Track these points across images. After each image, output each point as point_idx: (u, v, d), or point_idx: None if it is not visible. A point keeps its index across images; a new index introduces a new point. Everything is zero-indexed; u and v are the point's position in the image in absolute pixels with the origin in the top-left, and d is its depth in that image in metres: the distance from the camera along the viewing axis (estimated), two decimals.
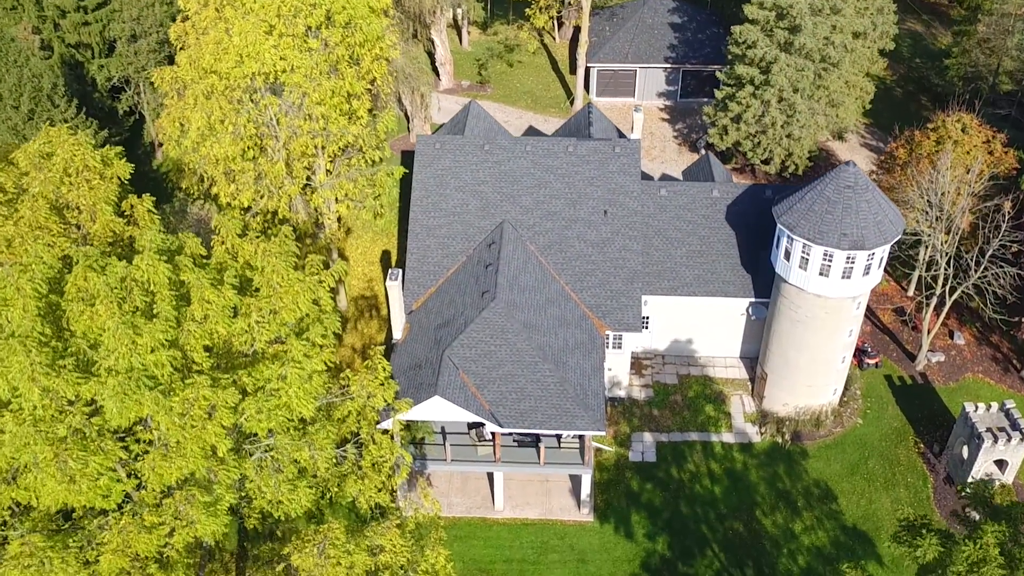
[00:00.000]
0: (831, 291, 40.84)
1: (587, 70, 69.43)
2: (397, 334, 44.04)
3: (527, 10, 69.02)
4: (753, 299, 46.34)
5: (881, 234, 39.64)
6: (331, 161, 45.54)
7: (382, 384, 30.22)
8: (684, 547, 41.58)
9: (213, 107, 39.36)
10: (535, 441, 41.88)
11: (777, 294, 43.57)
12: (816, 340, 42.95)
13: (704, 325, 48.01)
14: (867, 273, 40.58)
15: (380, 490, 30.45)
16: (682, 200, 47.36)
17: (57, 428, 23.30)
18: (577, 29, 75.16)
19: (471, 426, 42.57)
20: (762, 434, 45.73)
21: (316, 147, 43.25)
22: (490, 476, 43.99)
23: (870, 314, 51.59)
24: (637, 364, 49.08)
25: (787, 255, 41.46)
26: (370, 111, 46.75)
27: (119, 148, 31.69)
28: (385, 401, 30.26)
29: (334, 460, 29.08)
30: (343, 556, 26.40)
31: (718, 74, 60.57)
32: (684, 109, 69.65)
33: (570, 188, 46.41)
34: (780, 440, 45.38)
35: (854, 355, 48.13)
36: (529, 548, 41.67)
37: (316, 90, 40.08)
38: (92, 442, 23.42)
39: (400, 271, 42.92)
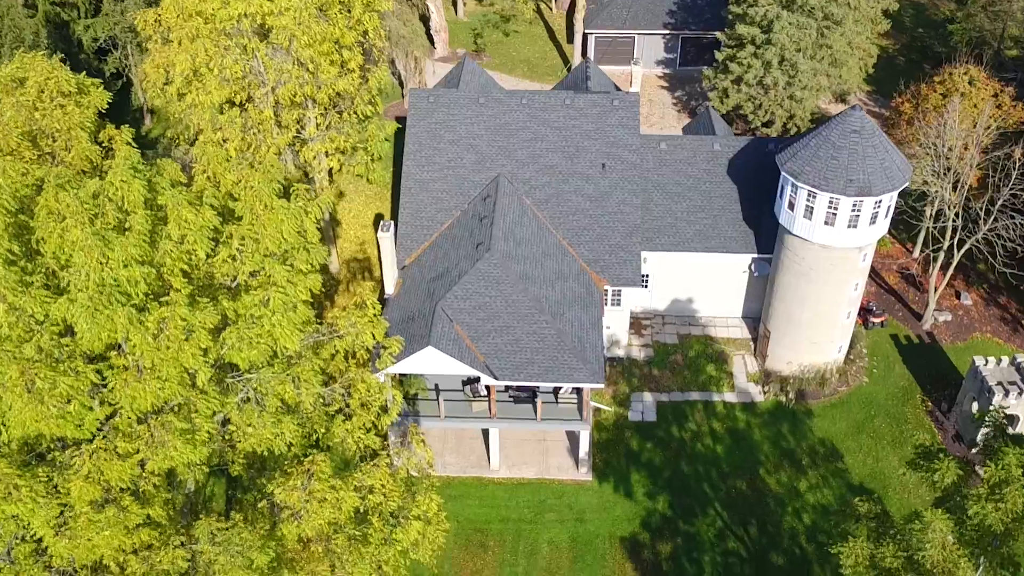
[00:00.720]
0: (837, 241, 39.58)
1: (585, 37, 68.15)
2: (389, 289, 42.76)
3: None
4: (756, 255, 45.07)
5: (888, 180, 38.40)
6: (322, 114, 44.23)
7: (371, 321, 28.91)
8: (685, 506, 40.32)
9: (198, 49, 38.04)
10: (531, 397, 40.61)
11: (780, 246, 42.31)
12: (821, 294, 41.69)
13: (705, 283, 46.74)
14: (874, 222, 39.33)
15: (369, 431, 29.14)
16: (682, 154, 46.09)
17: (25, 349, 22.00)
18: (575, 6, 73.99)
19: (465, 382, 41.31)
20: (765, 393, 44.48)
21: (305, 96, 41.91)
22: (485, 435, 42.70)
23: (875, 275, 50.35)
24: (636, 324, 47.81)
25: (791, 204, 40.21)
26: (362, 67, 45.42)
27: (97, 80, 30.38)
28: (374, 338, 28.96)
29: (321, 399, 27.79)
30: (329, 492, 25.08)
31: (718, 35, 59.31)
32: (684, 77, 68.37)
33: (567, 142, 45.12)
34: (784, 399, 44.13)
35: (859, 314, 46.87)
36: (526, 507, 40.40)
37: (305, 33, 38.75)
38: (62, 364, 22.11)
39: (392, 223, 41.66)
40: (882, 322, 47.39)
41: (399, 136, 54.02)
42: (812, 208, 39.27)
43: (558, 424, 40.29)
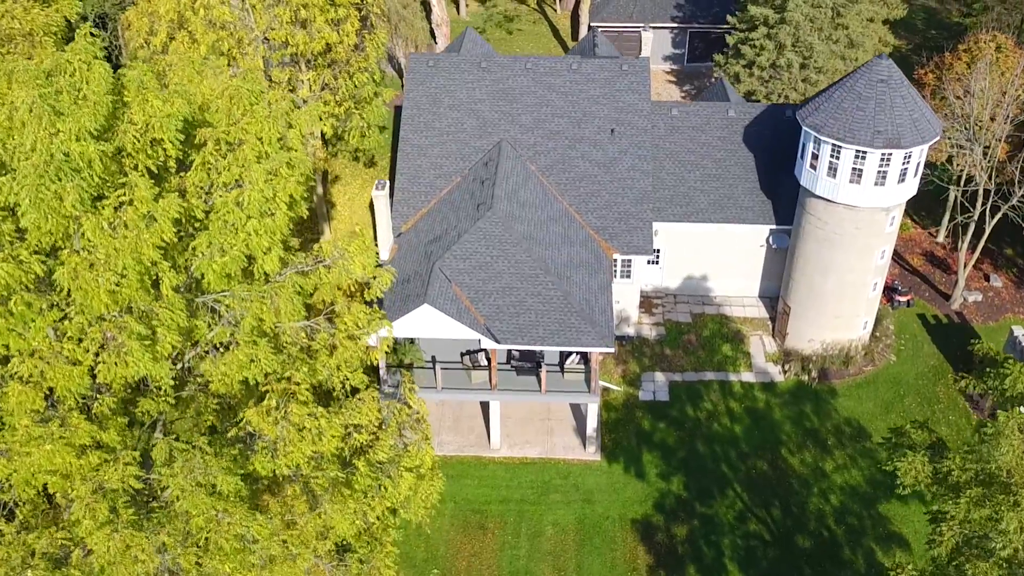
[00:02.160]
0: (863, 200, 36.94)
1: (590, 31, 66.19)
2: (384, 254, 40.04)
3: None
4: (774, 225, 42.40)
5: (918, 132, 35.88)
6: (315, 75, 41.93)
7: (362, 250, 26.20)
8: (702, 487, 37.14)
9: None
10: (535, 367, 37.66)
11: (802, 212, 39.66)
12: (845, 261, 38.94)
13: (720, 259, 44.01)
14: (903, 180, 36.73)
15: (355, 369, 26.23)
16: (695, 121, 43.66)
17: None
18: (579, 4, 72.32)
19: (464, 353, 38.40)
20: (785, 372, 41.50)
21: (297, 52, 39.66)
22: (485, 413, 39.67)
23: (898, 258, 47.63)
24: (647, 303, 44.97)
25: (813, 162, 37.65)
26: (359, 32, 43.25)
27: None
28: (364, 269, 26.19)
29: (303, 332, 24.92)
30: (308, 419, 22.13)
31: (730, 19, 57.34)
32: (692, 73, 66.32)
33: (574, 107, 42.73)
34: (806, 379, 41.12)
35: (884, 293, 44.08)
36: (528, 488, 37.23)
37: None
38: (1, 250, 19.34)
39: (387, 182, 39.19)
40: (908, 301, 44.56)
41: (397, 124, 51.80)
42: (836, 165, 36.69)
43: (564, 396, 37.31)
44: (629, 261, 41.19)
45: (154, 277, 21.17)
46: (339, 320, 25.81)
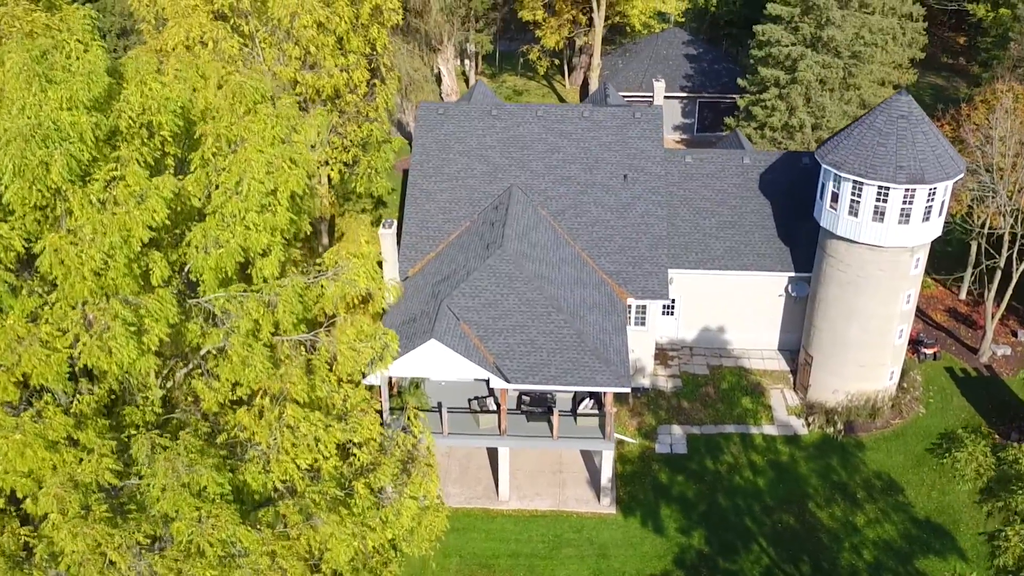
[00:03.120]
0: (886, 239, 35.67)
1: (601, 84, 66.28)
2: (389, 298, 38.52)
3: (531, 47, 66.84)
4: (793, 273, 41.06)
5: (942, 168, 34.87)
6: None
7: (365, 266, 24.89)
8: (724, 541, 34.77)
9: (193, 24, 35.54)
10: (547, 412, 35.80)
11: (822, 255, 38.36)
12: (869, 306, 37.43)
13: (737, 310, 42.52)
14: (927, 218, 35.54)
15: (357, 384, 24.64)
16: (710, 168, 42.83)
17: None
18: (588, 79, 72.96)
19: (472, 400, 36.58)
20: (809, 425, 39.48)
21: (305, 98, 39.19)
22: (493, 465, 37.62)
23: (921, 315, 46.08)
24: (662, 355, 43.28)
25: (834, 202, 36.54)
26: (369, 82, 42.95)
27: None
28: (369, 280, 24.85)
29: (302, 345, 23.40)
30: (304, 424, 20.40)
31: (740, 81, 57.29)
32: (701, 142, 66.02)
33: (586, 153, 41.99)
34: (831, 431, 39.08)
35: (910, 346, 42.40)
36: (539, 542, 34.88)
37: (309, 13, 36.30)
38: None
39: (394, 221, 38.06)
40: (935, 354, 42.79)
41: (404, 189, 51.24)
42: (858, 202, 35.59)
43: (577, 443, 35.31)
44: (644, 308, 39.71)
45: (144, 268, 19.84)
46: (340, 331, 24.31)
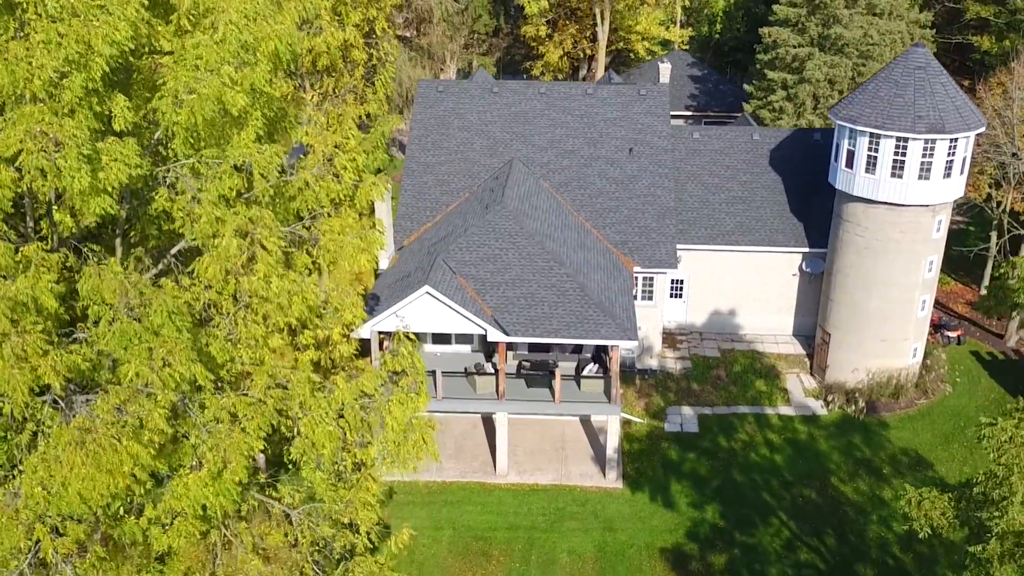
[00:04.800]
0: (907, 196, 33.88)
1: (607, 72, 65.33)
2: (384, 263, 36.69)
3: (535, 63, 66.26)
4: (807, 249, 39.13)
5: (962, 119, 33.30)
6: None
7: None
8: (741, 516, 32.00)
9: None
10: (548, 375, 33.46)
11: (839, 222, 36.50)
12: (889, 273, 35.41)
13: (749, 291, 40.47)
14: (948, 174, 33.82)
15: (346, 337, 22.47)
16: (718, 144, 41.34)
17: None
18: None
19: (468, 371, 34.27)
20: (828, 404, 36.99)
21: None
22: (490, 441, 35.08)
23: (942, 307, 43.93)
24: (671, 339, 41.05)
25: (850, 160, 34.88)
26: (367, 64, 41.87)
27: None
28: (356, 174, 23.02)
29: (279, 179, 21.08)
30: (277, 279, 18.21)
31: (746, 87, 56.35)
32: None
33: (589, 128, 40.59)
34: (851, 411, 36.59)
35: (932, 330, 40.16)
36: (539, 515, 32.15)
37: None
38: None
39: (389, 186, 36.38)
40: (959, 337, 40.52)
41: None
42: (876, 157, 33.92)
43: (580, 408, 32.92)
44: (651, 281, 37.69)
45: (107, 113, 18.06)
46: (323, 222, 22.34)
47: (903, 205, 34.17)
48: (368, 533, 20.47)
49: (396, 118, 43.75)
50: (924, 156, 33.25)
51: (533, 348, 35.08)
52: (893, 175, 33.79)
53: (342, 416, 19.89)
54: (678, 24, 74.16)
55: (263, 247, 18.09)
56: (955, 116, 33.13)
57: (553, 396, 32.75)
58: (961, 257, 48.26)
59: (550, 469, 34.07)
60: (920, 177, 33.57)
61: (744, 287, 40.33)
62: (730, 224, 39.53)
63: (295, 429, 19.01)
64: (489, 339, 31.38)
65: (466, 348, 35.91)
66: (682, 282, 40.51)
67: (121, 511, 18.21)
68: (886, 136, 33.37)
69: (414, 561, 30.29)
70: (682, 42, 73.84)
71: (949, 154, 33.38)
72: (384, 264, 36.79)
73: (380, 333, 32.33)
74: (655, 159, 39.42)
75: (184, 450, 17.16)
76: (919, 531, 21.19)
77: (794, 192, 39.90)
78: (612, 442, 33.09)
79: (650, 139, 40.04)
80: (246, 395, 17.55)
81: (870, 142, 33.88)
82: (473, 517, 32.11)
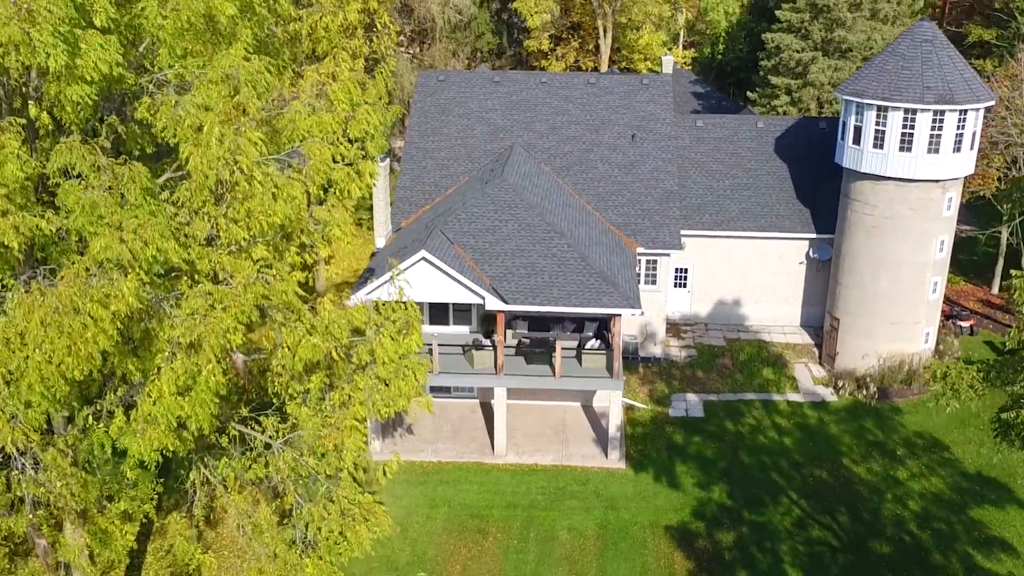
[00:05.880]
0: (915, 170, 33.11)
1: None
2: (380, 242, 35.81)
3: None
4: (814, 235, 38.24)
5: (971, 91, 32.68)
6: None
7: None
8: (750, 495, 30.63)
9: None
10: (548, 349, 32.36)
11: (846, 202, 35.68)
12: (899, 253, 34.49)
13: (756, 280, 39.50)
14: (958, 149, 33.08)
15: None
16: (722, 132, 40.72)
17: None
18: None
19: (466, 347, 33.21)
20: (839, 390, 35.78)
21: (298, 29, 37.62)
22: (488, 423, 33.86)
23: (951, 303, 42.85)
24: (675, 329, 39.97)
25: (857, 136, 34.19)
26: (368, 57, 41.56)
27: None
28: (349, 106, 22.35)
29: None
30: (260, 168, 17.30)
31: (750, 94, 56.02)
32: None
33: (592, 116, 40.04)
34: (863, 396, 35.37)
35: (944, 320, 39.07)
36: (539, 494, 30.80)
37: None
38: None
39: (388, 157, 35.74)
40: (972, 327, 39.41)
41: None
42: (883, 132, 33.22)
43: (581, 383, 31.74)
44: (655, 264, 36.78)
45: (89, 5, 17.43)
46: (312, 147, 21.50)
47: (912, 180, 33.39)
48: (355, 462, 19.30)
49: (396, 108, 43.30)
50: (933, 128, 32.55)
51: (533, 327, 34.03)
52: (902, 149, 33.06)
53: (329, 333, 18.89)
54: (680, 45, 74.27)
55: (248, 139, 17.25)
56: (964, 88, 32.50)
57: (553, 372, 31.63)
58: (970, 262, 47.41)
59: (550, 451, 32.78)
60: (929, 151, 32.84)
61: (750, 276, 39.38)
62: (735, 210, 38.72)
63: (277, 339, 18.03)
64: (487, 308, 30.38)
65: (464, 329, 34.84)
66: (686, 271, 39.57)
67: (89, 419, 17.15)
68: (894, 108, 32.72)
69: (407, 538, 28.92)
70: (684, 63, 73.80)
71: (959, 127, 32.68)
72: (380, 244, 35.94)
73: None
74: (658, 145, 38.78)
75: (158, 347, 16.13)
76: (946, 405, 19.86)
77: (800, 179, 39.16)
78: (615, 420, 31.86)
79: (653, 126, 39.45)
80: (227, 285, 16.56)
81: (877, 116, 33.22)
82: (469, 496, 30.77)
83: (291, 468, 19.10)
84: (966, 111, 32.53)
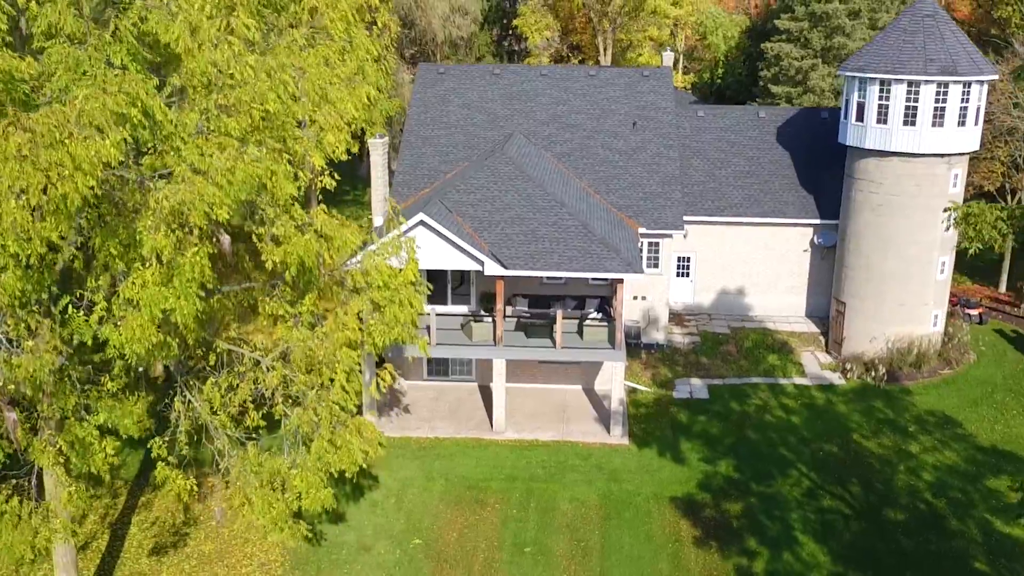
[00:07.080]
0: (920, 144, 32.73)
1: None
2: (378, 220, 35.24)
3: None
4: (818, 221, 37.71)
5: (975, 64, 32.47)
6: None
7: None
8: (758, 469, 29.59)
9: None
10: (549, 321, 31.58)
11: (851, 182, 35.23)
12: (905, 231, 33.94)
13: (760, 269, 38.87)
14: (962, 123, 32.74)
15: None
16: (723, 122, 40.47)
17: None
18: None
19: (464, 324, 32.45)
20: (847, 373, 34.90)
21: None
22: (487, 403, 32.92)
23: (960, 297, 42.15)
24: (678, 319, 39.19)
25: (860, 113, 33.88)
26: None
27: None
28: (345, 33, 22.01)
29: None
30: (248, 56, 16.80)
31: (751, 104, 55.96)
32: None
33: (593, 105, 39.80)
34: (871, 379, 34.47)
35: (952, 308, 38.35)
36: (539, 467, 29.76)
37: None
38: None
39: (385, 134, 35.37)
40: (980, 315, 38.64)
41: None
42: (887, 105, 32.92)
43: (582, 354, 30.88)
44: (657, 247, 36.18)
45: None
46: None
47: (917, 155, 32.98)
48: (347, 374, 18.45)
49: (396, 102, 43.16)
50: (937, 101, 32.26)
51: (533, 305, 33.28)
52: (906, 123, 32.73)
53: (321, 236, 18.22)
54: (680, 70, 74.67)
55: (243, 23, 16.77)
56: (967, 60, 32.30)
57: (554, 344, 30.81)
58: (975, 266, 46.79)
59: (550, 428, 31.79)
60: (934, 124, 32.50)
61: (754, 265, 38.76)
62: (738, 197, 38.28)
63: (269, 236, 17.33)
64: (486, 273, 29.68)
65: (463, 308, 34.11)
66: (689, 260, 38.96)
67: (70, 308, 16.37)
68: (897, 81, 32.47)
69: (402, 508, 27.85)
70: (684, 88, 74.12)
71: (963, 100, 32.39)
72: (378, 222, 35.37)
73: None
74: (659, 131, 38.47)
75: (141, 223, 15.40)
76: (969, 246, 18.83)
77: (803, 167, 38.80)
78: (617, 394, 30.93)
79: (654, 115, 39.18)
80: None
81: (881, 90, 32.95)
82: (467, 469, 29.72)
83: (280, 383, 18.26)
84: (970, 83, 32.28)
